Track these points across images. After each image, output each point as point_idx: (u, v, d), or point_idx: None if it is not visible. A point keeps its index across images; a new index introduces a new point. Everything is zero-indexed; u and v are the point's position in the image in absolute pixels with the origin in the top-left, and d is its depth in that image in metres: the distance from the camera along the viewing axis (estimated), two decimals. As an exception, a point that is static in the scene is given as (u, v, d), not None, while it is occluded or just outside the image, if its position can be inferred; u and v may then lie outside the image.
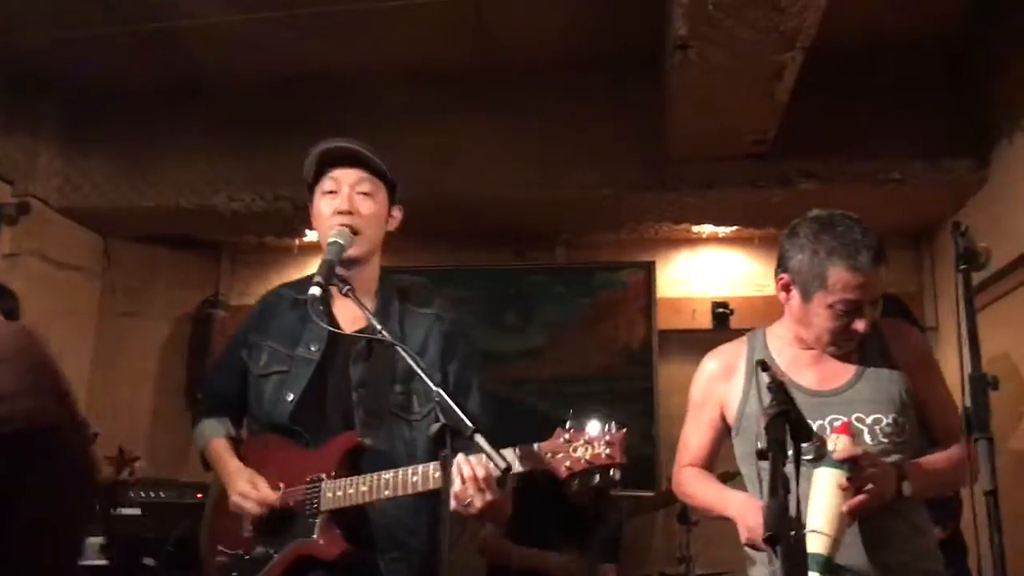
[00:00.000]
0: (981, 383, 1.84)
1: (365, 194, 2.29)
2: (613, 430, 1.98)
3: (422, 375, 1.96)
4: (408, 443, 2.20)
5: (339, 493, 2.10)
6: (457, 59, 4.58)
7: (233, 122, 4.81)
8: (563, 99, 4.68)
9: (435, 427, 2.00)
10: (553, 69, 4.62)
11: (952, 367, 4.64)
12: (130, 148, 4.89)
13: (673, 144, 4.35)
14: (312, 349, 2.24)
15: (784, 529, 1.60)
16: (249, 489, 2.16)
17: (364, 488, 2.07)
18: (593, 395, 5.00)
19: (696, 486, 2.51)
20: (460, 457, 1.95)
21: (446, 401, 1.92)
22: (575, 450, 1.96)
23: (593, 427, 1.99)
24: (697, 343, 5.17)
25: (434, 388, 1.93)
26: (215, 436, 2.34)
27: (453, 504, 1.88)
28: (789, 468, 1.80)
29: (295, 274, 5.47)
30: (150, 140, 4.88)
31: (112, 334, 5.28)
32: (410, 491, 2.03)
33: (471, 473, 1.94)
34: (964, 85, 4.35)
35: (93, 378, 5.12)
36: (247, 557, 2.17)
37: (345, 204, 2.26)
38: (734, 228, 5.13)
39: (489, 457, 1.88)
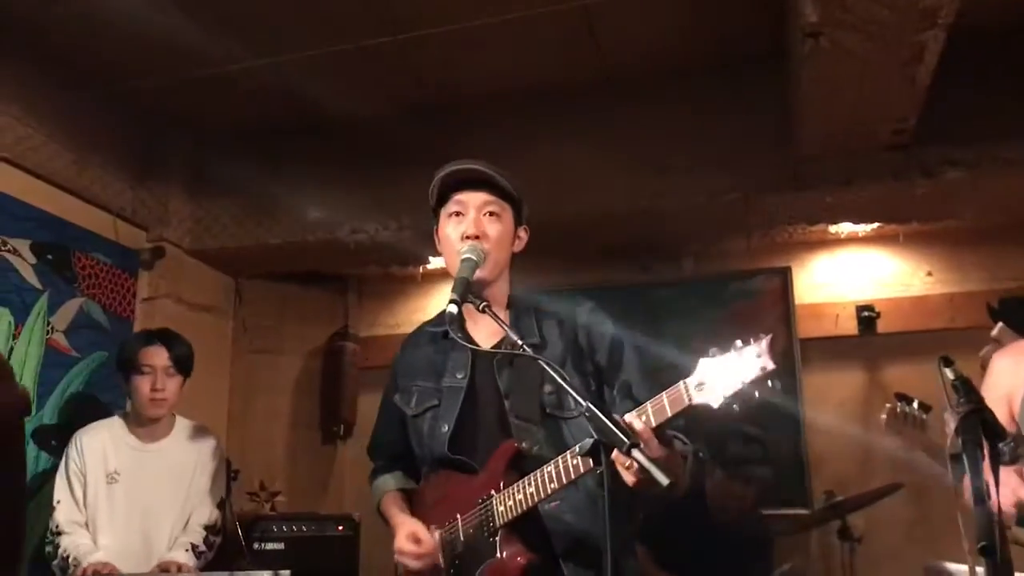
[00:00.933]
0: None
1: (492, 214, 2.25)
2: (757, 340, 1.82)
3: (569, 390, 1.87)
4: (568, 442, 2.11)
5: (509, 503, 2.06)
6: (571, 74, 4.49)
7: (353, 154, 4.84)
8: (682, 105, 4.51)
9: (588, 443, 1.90)
10: (669, 75, 4.47)
11: None
12: (255, 187, 4.95)
13: (804, 140, 4.13)
14: (459, 377, 2.23)
15: (995, 540, 1.41)
16: (405, 544, 2.20)
17: (531, 489, 2.02)
18: (732, 411, 4.78)
19: None
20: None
21: (596, 415, 1.81)
22: (724, 374, 1.82)
23: (736, 345, 1.83)
24: (842, 350, 4.99)
25: (583, 403, 1.83)
26: (386, 490, 2.41)
27: (662, 483, 1.70)
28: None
29: (421, 302, 5.54)
30: (273, 178, 4.93)
31: (246, 372, 5.36)
32: (573, 476, 1.95)
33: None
34: (1125, 53, 4.00)
35: (230, 415, 5.20)
36: None
37: (472, 228, 2.22)
38: (875, 226, 4.86)
39: (649, 472, 1.75)
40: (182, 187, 4.98)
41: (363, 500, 2.61)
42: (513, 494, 2.05)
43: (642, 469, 1.75)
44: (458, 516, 2.16)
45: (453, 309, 2.05)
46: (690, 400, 1.85)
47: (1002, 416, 2.12)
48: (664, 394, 1.88)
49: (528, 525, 2.06)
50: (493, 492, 2.09)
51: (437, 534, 2.20)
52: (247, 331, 5.40)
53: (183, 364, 3.59)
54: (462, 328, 2.21)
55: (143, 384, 3.50)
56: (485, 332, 2.23)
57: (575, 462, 1.94)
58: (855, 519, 3.95)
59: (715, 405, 1.82)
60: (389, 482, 2.42)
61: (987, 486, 1.53)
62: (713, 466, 4.04)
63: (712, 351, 1.85)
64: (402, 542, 2.19)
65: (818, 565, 4.64)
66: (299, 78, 4.43)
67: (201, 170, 5.03)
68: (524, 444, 2.10)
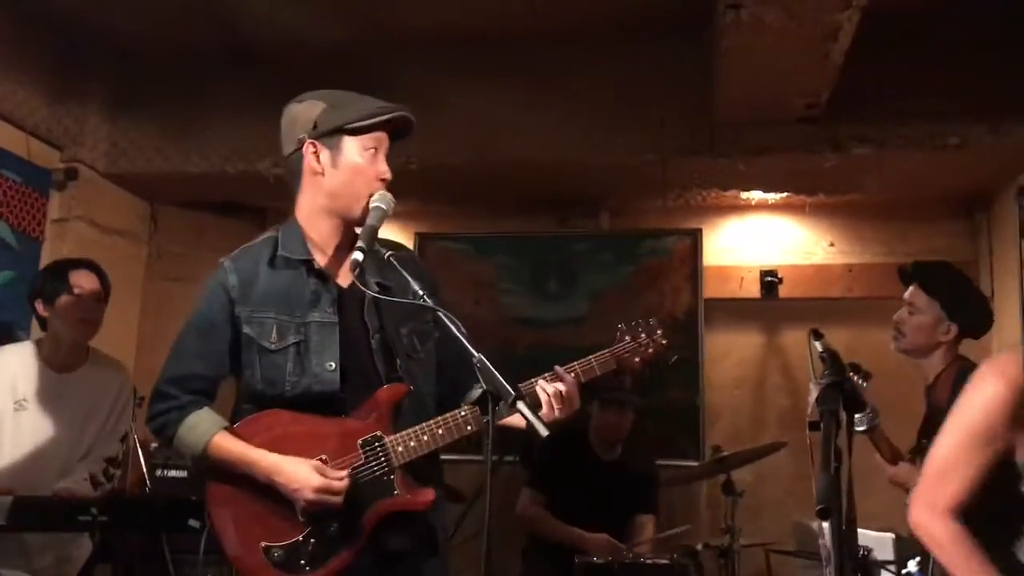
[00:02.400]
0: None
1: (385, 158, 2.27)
2: (651, 322, 2.44)
3: (466, 344, 1.98)
4: (421, 380, 2.25)
5: (411, 444, 2.15)
6: (502, 23, 4.50)
7: (279, 87, 4.64)
8: (609, 63, 4.59)
9: (476, 392, 2.02)
10: (599, 34, 4.53)
11: (1009, 335, 4.54)
12: (176, 114, 4.89)
13: (722, 108, 4.25)
14: (329, 311, 2.19)
15: (836, 503, 1.55)
16: (324, 481, 2.06)
17: (426, 437, 2.15)
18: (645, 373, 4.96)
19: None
20: (542, 379, 2.21)
21: (487, 367, 1.92)
22: (640, 345, 2.38)
23: (641, 322, 2.42)
24: (744, 312, 5.19)
25: (476, 355, 1.95)
26: (216, 429, 2.14)
27: (540, 434, 1.87)
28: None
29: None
30: (196, 106, 4.88)
31: (158, 299, 5.32)
32: (466, 432, 2.16)
33: (557, 391, 2.19)
34: (1025, 44, 4.19)
35: (139, 341, 5.17)
36: (313, 540, 2.10)
37: (389, 172, 2.25)
38: (784, 195, 5.03)
39: (531, 423, 1.87)
40: (100, 107, 4.87)
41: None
42: (412, 437, 2.14)
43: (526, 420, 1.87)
44: (324, 457, 2.11)
45: (359, 256, 2.11)
46: (618, 365, 2.34)
47: None
48: (592, 357, 2.31)
49: (411, 463, 2.16)
50: (379, 433, 2.14)
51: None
52: (161, 258, 5.34)
53: (108, 293, 3.54)
54: (326, 263, 2.24)
55: (72, 306, 3.38)
56: (342, 268, 2.24)
57: (467, 426, 2.16)
58: (742, 473, 4.15)
59: (636, 370, 2.35)
60: (213, 419, 2.16)
61: (839, 453, 1.67)
62: (589, 403, 4.16)
63: (622, 325, 2.42)
64: (313, 477, 2.05)
65: (704, 515, 4.88)
66: (228, 6, 4.36)
67: (122, 92, 4.92)
68: (411, 387, 2.19)
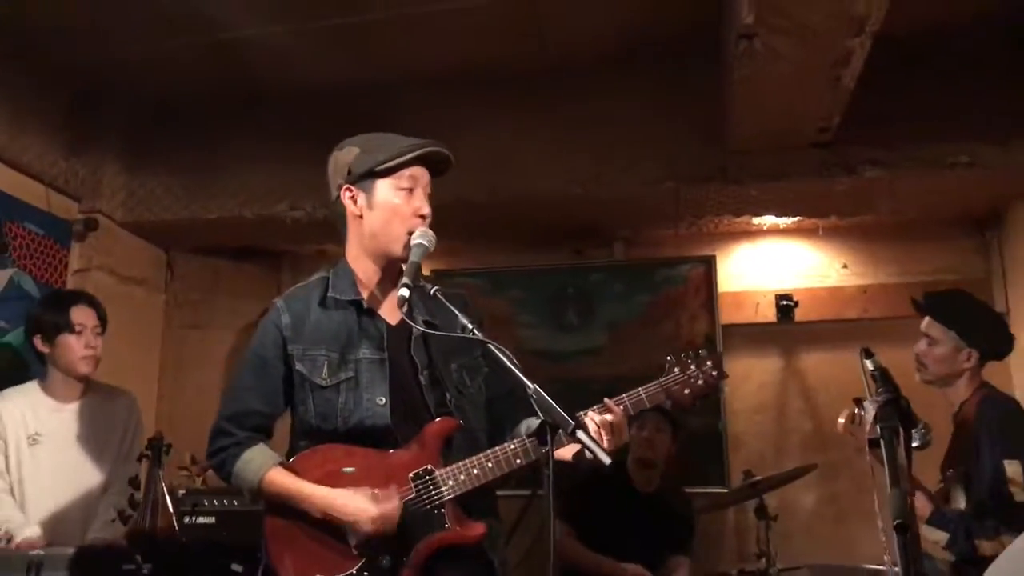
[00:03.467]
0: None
1: (429, 197, 2.33)
2: (702, 353, 2.40)
3: (520, 376, 2.01)
4: (471, 416, 2.28)
5: (461, 478, 2.17)
6: (511, 59, 4.56)
7: (292, 131, 4.84)
8: (619, 94, 4.64)
9: (535, 423, 2.03)
10: (608, 65, 4.58)
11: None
12: (191, 162, 4.94)
13: (734, 135, 4.30)
14: (379, 350, 2.25)
15: (910, 518, 1.57)
16: (371, 506, 2.12)
17: (476, 471, 2.17)
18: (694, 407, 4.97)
19: None
20: (591, 414, 2.20)
21: (544, 397, 1.94)
22: (690, 377, 2.34)
23: (691, 354, 2.39)
24: (762, 336, 5.21)
25: (531, 385, 1.97)
26: (271, 464, 2.21)
27: (603, 462, 1.92)
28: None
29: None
30: (210, 153, 4.92)
31: (177, 346, 5.34)
32: (515, 466, 2.16)
33: (606, 422, 2.18)
34: (1034, 65, 4.26)
35: (160, 389, 5.18)
36: (365, 573, 2.14)
37: (427, 208, 2.30)
38: (796, 219, 5.07)
39: (591, 451, 1.90)
40: (116, 158, 4.92)
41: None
42: (459, 472, 2.17)
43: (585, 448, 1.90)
44: (376, 491, 2.15)
45: (405, 293, 2.16)
46: (668, 397, 2.33)
47: None
48: (641, 390, 2.30)
49: (463, 497, 2.19)
50: (430, 467, 2.17)
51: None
52: (179, 305, 5.37)
53: (106, 324, 3.58)
54: (373, 302, 2.30)
55: (75, 343, 3.45)
56: (389, 306, 2.30)
57: (518, 459, 2.17)
58: (770, 498, 4.16)
59: (686, 405, 2.33)
60: (268, 455, 2.23)
61: (903, 469, 1.68)
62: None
63: (671, 357, 2.37)
64: (370, 507, 2.11)
65: (733, 541, 4.86)
66: (240, 52, 4.42)
67: (136, 141, 4.97)
68: (462, 421, 2.22)
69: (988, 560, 2.77)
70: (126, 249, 4.99)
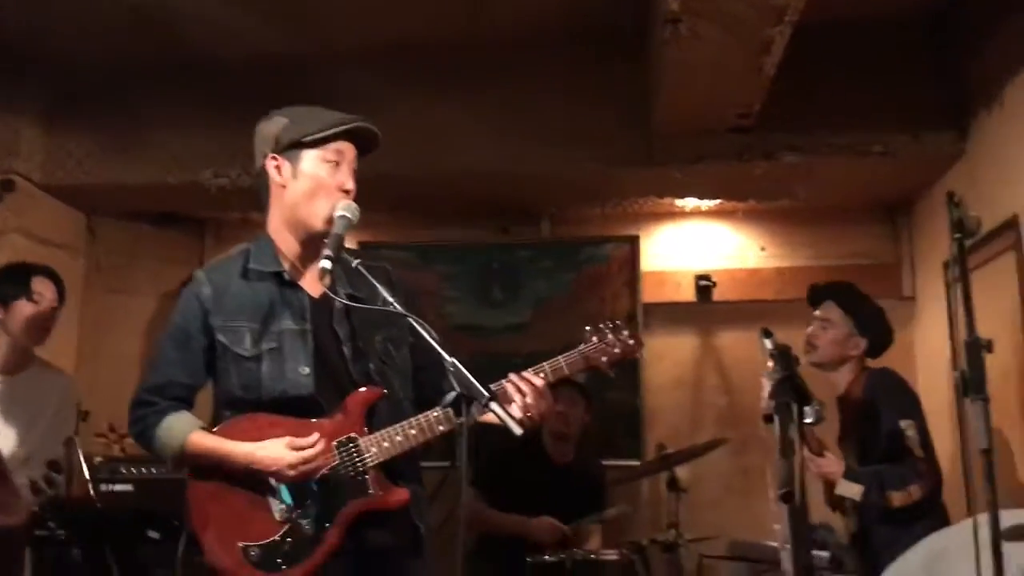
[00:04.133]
0: (977, 346, 1.90)
1: (354, 172, 2.35)
2: (618, 323, 2.48)
3: (437, 348, 2.07)
4: (396, 387, 2.32)
5: (385, 445, 2.21)
6: (443, 35, 4.56)
7: (219, 99, 4.78)
8: (549, 74, 4.68)
9: (451, 396, 2.08)
10: (539, 44, 4.61)
11: (933, 336, 4.78)
12: (115, 124, 4.83)
13: (660, 118, 4.38)
14: (300, 320, 2.27)
15: (795, 487, 1.67)
16: (299, 453, 2.13)
17: (400, 438, 2.21)
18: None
19: None
20: (512, 376, 2.25)
21: (460, 370, 2.00)
22: (607, 345, 2.40)
23: (607, 325, 2.46)
24: (680, 315, 5.34)
25: (448, 358, 2.02)
26: (193, 429, 2.22)
27: (518, 415, 2.07)
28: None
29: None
30: (135, 116, 4.82)
31: (97, 311, 5.25)
32: (437, 432, 2.22)
33: (532, 387, 2.23)
34: (944, 57, 4.42)
35: (80, 355, 5.09)
36: (289, 539, 2.17)
37: (351, 183, 2.32)
38: (717, 202, 5.20)
39: (503, 422, 1.96)
40: (36, 119, 4.78)
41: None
42: (386, 438, 2.21)
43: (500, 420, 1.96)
44: (296, 438, 2.18)
45: (327, 265, 2.18)
46: (586, 365, 2.38)
47: None
48: (561, 358, 2.35)
49: (388, 464, 2.23)
50: (354, 435, 2.21)
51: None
52: (100, 270, 5.28)
53: (63, 302, 3.54)
54: (295, 274, 2.32)
55: (29, 311, 3.42)
56: (311, 278, 2.31)
57: (440, 425, 2.21)
58: (681, 471, 4.29)
59: (604, 370, 2.39)
60: (190, 419, 2.25)
61: (792, 442, 1.78)
62: None
63: (589, 328, 2.43)
64: (287, 453, 2.13)
65: (646, 512, 5.00)
66: (166, 17, 4.35)
67: (58, 103, 4.84)
68: (386, 390, 2.27)
69: (896, 512, 2.99)
70: (44, 212, 4.88)
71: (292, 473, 2.14)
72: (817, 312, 3.48)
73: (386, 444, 2.21)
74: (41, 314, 3.44)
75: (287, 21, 4.43)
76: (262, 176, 2.38)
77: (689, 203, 5.23)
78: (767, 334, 2.03)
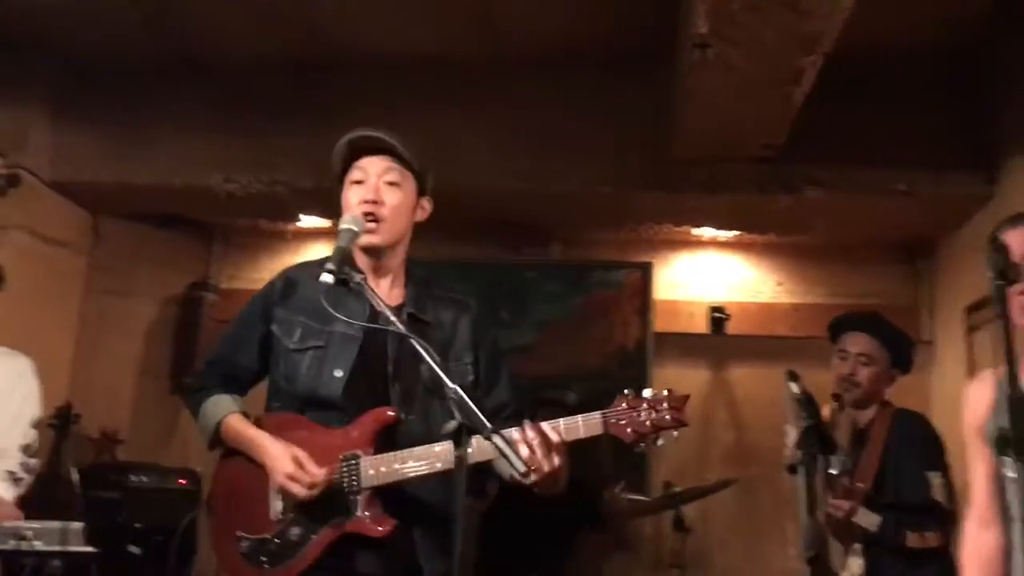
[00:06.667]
0: (1021, 403, 1.76)
1: (392, 184, 2.28)
2: (671, 394, 2.13)
3: (439, 372, 1.96)
4: (440, 419, 2.15)
5: (382, 469, 2.12)
6: (459, 47, 4.49)
7: (231, 102, 4.70)
8: (567, 92, 4.59)
9: (451, 425, 1.97)
10: (558, 61, 4.53)
11: (951, 381, 4.63)
12: (124, 124, 4.75)
13: (679, 144, 4.28)
14: (354, 327, 2.22)
15: (824, 550, 1.54)
16: (297, 471, 2.11)
17: (396, 465, 2.11)
18: (584, 395, 4.92)
19: None
20: (527, 423, 2.02)
21: (464, 400, 1.89)
22: (639, 415, 2.08)
23: (649, 392, 2.11)
24: (693, 347, 5.22)
25: (450, 385, 1.91)
26: (232, 411, 2.28)
27: (518, 471, 1.87)
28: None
29: (288, 259, 5.43)
30: (144, 117, 4.74)
31: (97, 313, 5.15)
32: (436, 469, 2.08)
33: (540, 439, 2.00)
34: (975, 99, 4.31)
35: (76, 357, 4.98)
36: (276, 540, 2.15)
37: (371, 194, 2.26)
38: (735, 233, 5.09)
39: (507, 459, 1.85)
40: (45, 115, 4.71)
41: (208, 455, 2.43)
42: (387, 463, 2.11)
43: (501, 454, 1.85)
44: (306, 455, 2.15)
45: (329, 279, 2.08)
46: (605, 430, 2.09)
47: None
48: (580, 417, 2.10)
49: (388, 490, 2.13)
50: (360, 452, 2.13)
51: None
52: (102, 270, 5.17)
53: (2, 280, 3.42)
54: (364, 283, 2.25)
55: None
56: (384, 292, 2.28)
57: (437, 449, 2.08)
58: (687, 508, 4.16)
59: (627, 441, 2.09)
60: (233, 404, 2.31)
61: (817, 498, 1.66)
62: None
63: (628, 391, 2.12)
64: (292, 468, 2.11)
65: (650, 548, 4.85)
66: (180, 18, 4.28)
67: (68, 98, 4.77)
68: (402, 414, 2.17)
69: (908, 552, 2.86)
70: (49, 209, 4.79)
71: (279, 480, 2.13)
72: (849, 347, 3.27)
73: (383, 469, 2.12)
74: None
75: (298, 26, 4.36)
76: None
77: (706, 232, 5.12)
78: (793, 377, 1.91)
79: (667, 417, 2.09)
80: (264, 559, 2.14)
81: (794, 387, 1.89)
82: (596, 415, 2.09)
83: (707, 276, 5.28)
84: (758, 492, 4.70)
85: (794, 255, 5.22)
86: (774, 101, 3.76)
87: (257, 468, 2.19)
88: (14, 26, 4.37)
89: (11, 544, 2.94)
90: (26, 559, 2.99)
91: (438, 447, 2.10)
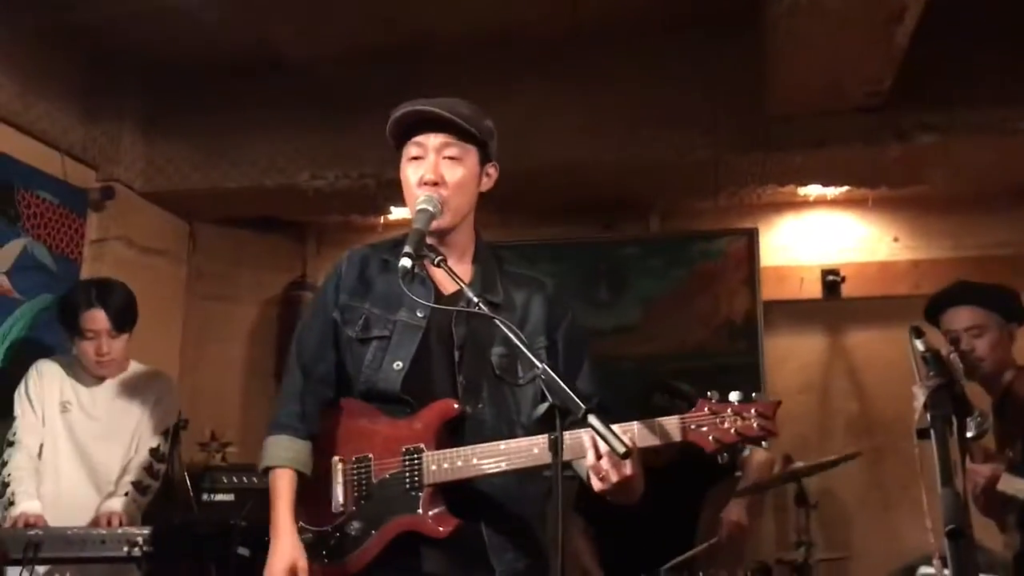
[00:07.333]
0: None
1: (452, 159, 2.14)
2: (760, 398, 1.93)
3: (526, 352, 1.86)
4: (511, 408, 2.09)
5: (444, 466, 2.00)
6: (545, 23, 4.35)
7: (314, 99, 4.68)
8: (653, 58, 4.41)
9: (543, 408, 1.85)
10: (641, 28, 4.34)
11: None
12: (212, 129, 4.79)
13: (777, 99, 4.05)
14: (419, 315, 2.12)
15: (962, 522, 1.36)
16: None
17: (460, 463, 1.99)
18: (693, 372, 4.72)
19: None
20: (594, 422, 1.73)
21: (553, 378, 1.76)
22: (723, 422, 1.89)
23: (736, 396, 1.91)
24: (806, 313, 4.96)
25: (539, 365, 1.80)
26: (284, 464, 2.12)
27: (617, 452, 1.69)
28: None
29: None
30: (231, 120, 4.77)
31: (199, 319, 5.23)
32: (526, 465, 1.93)
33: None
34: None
35: (182, 363, 5.07)
36: (337, 534, 2.07)
37: (431, 173, 2.12)
38: (844, 189, 4.81)
39: (605, 440, 1.71)
40: (135, 125, 4.79)
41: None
42: (451, 459, 1.99)
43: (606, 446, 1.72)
44: (371, 455, 2.07)
45: (407, 263, 1.96)
46: (684, 437, 1.90)
47: None
48: (660, 420, 1.92)
49: (454, 488, 2.02)
50: (422, 446, 2.02)
51: (340, 466, 2.10)
52: (201, 277, 5.25)
53: (123, 322, 3.49)
54: (424, 269, 2.14)
55: (88, 348, 3.46)
56: (444, 275, 2.12)
57: (534, 451, 1.93)
58: (810, 482, 3.92)
59: (707, 450, 1.88)
60: (293, 453, 2.13)
61: (955, 465, 1.47)
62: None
63: (711, 394, 1.92)
64: (278, 570, 2.00)
65: (771, 527, 4.64)
66: (262, 15, 4.26)
67: (156, 107, 4.84)
68: (467, 407, 2.05)
69: None
70: (145, 219, 4.87)
71: None
72: (954, 325, 3.03)
73: (446, 465, 2.00)
74: (99, 345, 3.45)
75: (380, 16, 4.30)
76: None
77: (813, 191, 4.85)
78: (918, 334, 1.70)
79: (755, 425, 1.89)
80: (324, 553, 2.07)
81: (919, 344, 1.69)
82: (674, 419, 1.91)
83: (817, 238, 5.00)
84: (885, 462, 4.43)
85: (911, 208, 4.89)
86: (875, 42, 3.50)
87: (325, 460, 2.11)
88: (99, 39, 4.43)
89: (123, 551, 3.03)
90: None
91: (503, 444, 1.97)
